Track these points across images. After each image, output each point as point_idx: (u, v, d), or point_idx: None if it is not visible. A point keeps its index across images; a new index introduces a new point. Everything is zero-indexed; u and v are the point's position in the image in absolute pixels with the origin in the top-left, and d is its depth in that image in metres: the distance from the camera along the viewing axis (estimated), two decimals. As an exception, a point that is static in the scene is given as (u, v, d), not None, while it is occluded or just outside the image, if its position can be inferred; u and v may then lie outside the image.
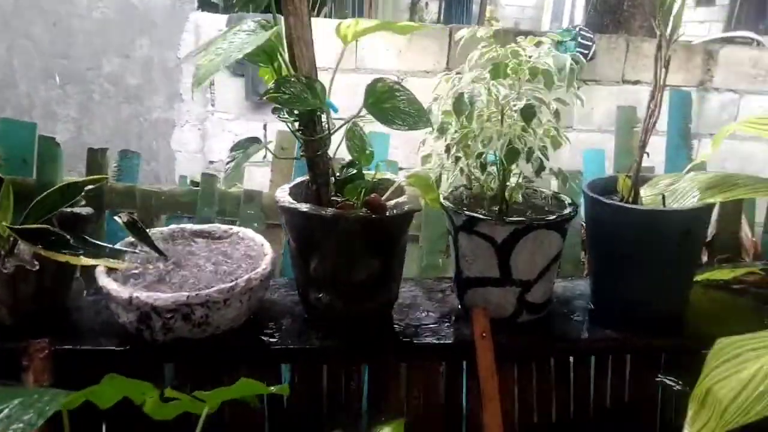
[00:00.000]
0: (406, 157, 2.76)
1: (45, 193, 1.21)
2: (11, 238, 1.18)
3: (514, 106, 1.05)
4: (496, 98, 1.04)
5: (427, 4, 11.77)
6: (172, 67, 3.41)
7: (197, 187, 1.57)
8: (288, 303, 1.30)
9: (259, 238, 1.30)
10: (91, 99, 3.37)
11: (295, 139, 1.65)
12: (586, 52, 3.77)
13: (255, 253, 1.26)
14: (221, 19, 3.44)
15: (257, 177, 2.23)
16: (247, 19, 0.98)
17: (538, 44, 1.11)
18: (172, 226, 1.32)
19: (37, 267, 1.14)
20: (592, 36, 3.84)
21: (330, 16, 4.85)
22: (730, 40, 4.54)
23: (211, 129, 3.53)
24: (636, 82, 3.99)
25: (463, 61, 3.49)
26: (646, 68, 4.02)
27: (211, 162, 3.62)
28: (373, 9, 9.68)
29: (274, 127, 3.64)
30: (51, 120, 3.35)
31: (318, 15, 4.35)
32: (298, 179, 1.29)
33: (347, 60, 3.48)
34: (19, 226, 1.12)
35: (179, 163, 3.49)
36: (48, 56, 3.32)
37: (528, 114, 1.03)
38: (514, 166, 1.15)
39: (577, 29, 3.84)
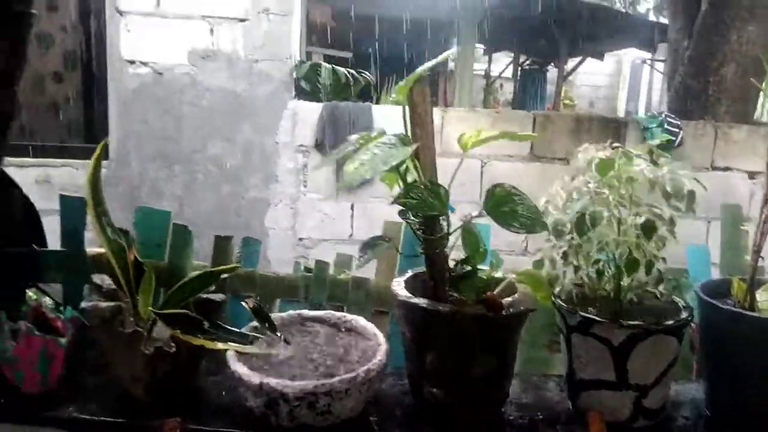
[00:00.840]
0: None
1: (184, 280, 1.32)
2: (150, 320, 1.29)
3: (634, 219, 1.09)
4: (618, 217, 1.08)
5: (501, 85, 12.10)
6: (270, 150, 3.65)
7: (309, 273, 1.67)
8: (397, 393, 1.33)
9: (371, 327, 1.36)
10: (195, 179, 3.63)
11: (400, 229, 1.74)
12: (674, 138, 3.76)
13: (369, 342, 1.31)
14: (316, 107, 3.68)
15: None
16: (388, 133, 1.07)
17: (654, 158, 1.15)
18: (291, 312, 1.40)
19: (174, 349, 1.24)
20: (678, 123, 3.84)
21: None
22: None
23: (302, 208, 3.71)
24: (726, 169, 3.91)
25: (546, 145, 3.56)
26: (736, 155, 3.96)
27: (301, 239, 3.78)
28: (449, 91, 10.01)
29: (361, 207, 3.79)
30: (157, 197, 3.62)
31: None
32: (410, 272, 1.35)
33: (433, 145, 3.62)
34: (163, 311, 1.23)
35: (271, 239, 3.66)
36: (159, 139, 3.63)
37: (649, 231, 1.06)
38: (627, 268, 1.17)
39: (663, 115, 3.86)
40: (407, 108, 1.17)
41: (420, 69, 1.12)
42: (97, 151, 1.32)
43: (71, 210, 1.50)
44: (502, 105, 11.19)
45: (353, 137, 1.21)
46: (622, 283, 1.19)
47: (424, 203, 1.09)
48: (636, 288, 1.22)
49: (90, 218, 1.31)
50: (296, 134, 3.70)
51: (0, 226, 1.37)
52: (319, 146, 3.70)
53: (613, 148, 1.19)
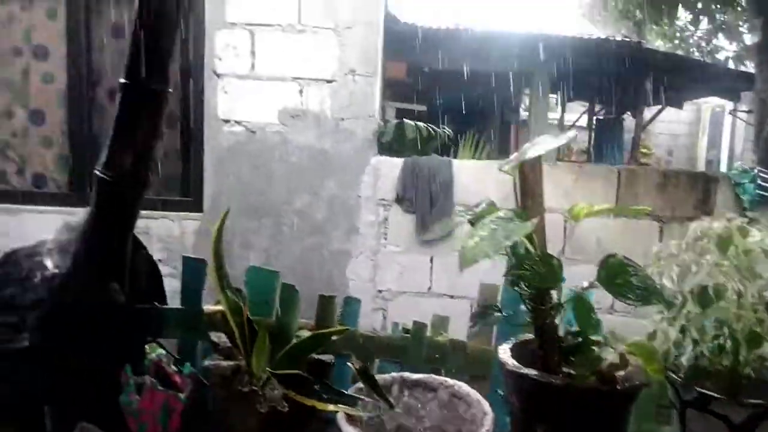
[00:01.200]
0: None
1: (296, 341, 1.39)
2: (264, 379, 1.35)
3: (755, 291, 1.07)
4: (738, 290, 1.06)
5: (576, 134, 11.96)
6: (352, 204, 3.76)
7: (407, 334, 1.70)
8: (502, 462, 1.32)
9: (474, 394, 1.37)
10: (281, 231, 3.77)
11: (497, 292, 1.75)
12: (767, 194, 3.61)
13: (474, 410, 1.32)
14: (397, 162, 3.78)
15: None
16: (503, 208, 1.11)
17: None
18: (393, 374, 1.43)
19: (287, 408, 1.29)
20: (773, 177, 3.68)
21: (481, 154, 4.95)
22: None
23: (382, 260, 3.78)
24: (828, 226, 3.70)
25: (631, 200, 3.45)
26: (838, 210, 3.74)
27: (380, 291, 3.82)
28: (520, 141, 9.99)
29: (440, 260, 3.80)
30: (246, 248, 3.78)
31: (477, 154, 4.57)
32: (513, 339, 1.35)
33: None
34: (279, 371, 1.29)
35: (351, 291, 3.72)
36: (249, 194, 3.80)
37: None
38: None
39: (756, 170, 3.71)
40: (518, 179, 1.21)
41: (532, 152, 1.16)
42: (219, 221, 1.42)
43: (192, 271, 1.60)
44: (576, 154, 11.03)
45: (458, 209, 1.25)
46: (740, 357, 1.16)
47: (538, 275, 1.11)
48: (754, 362, 1.18)
49: (212, 280, 1.40)
50: (378, 188, 3.79)
51: (129, 284, 1.48)
52: (400, 200, 3.78)
53: (728, 220, 1.18)
